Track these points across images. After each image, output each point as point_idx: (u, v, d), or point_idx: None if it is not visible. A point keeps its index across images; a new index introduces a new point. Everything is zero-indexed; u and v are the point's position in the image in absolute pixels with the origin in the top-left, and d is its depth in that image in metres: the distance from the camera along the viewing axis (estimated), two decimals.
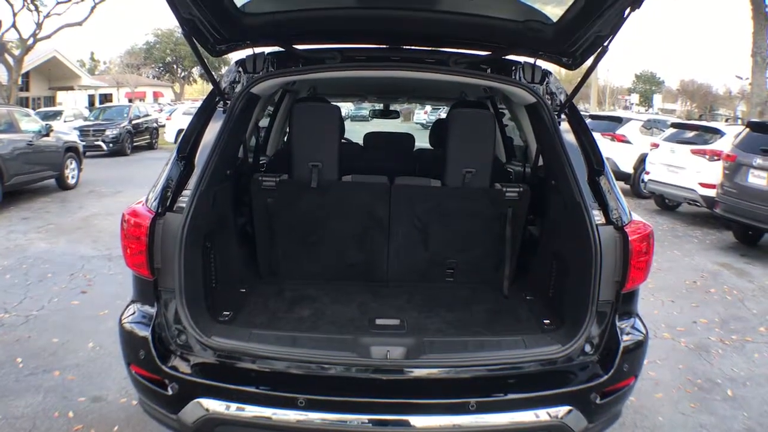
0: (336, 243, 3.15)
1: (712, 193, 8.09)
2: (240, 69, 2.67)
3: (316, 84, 4.42)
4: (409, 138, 4.73)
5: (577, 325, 2.36)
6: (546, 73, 2.72)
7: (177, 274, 2.24)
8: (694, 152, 9.03)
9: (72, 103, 26.82)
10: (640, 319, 2.50)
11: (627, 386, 2.39)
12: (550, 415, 2.19)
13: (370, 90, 5.26)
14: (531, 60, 2.71)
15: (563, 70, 3.31)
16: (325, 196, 3.05)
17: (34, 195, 9.93)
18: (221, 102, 2.59)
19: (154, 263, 2.27)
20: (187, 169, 2.42)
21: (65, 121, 18.08)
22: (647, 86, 63.92)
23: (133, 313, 2.37)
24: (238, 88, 2.62)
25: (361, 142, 4.75)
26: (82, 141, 12.38)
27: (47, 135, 10.04)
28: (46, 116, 16.60)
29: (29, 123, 10.05)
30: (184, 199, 2.35)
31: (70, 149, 10.82)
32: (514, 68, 2.71)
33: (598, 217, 2.40)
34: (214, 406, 2.12)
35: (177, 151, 2.46)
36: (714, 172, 8.20)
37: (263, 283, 3.13)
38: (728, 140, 8.53)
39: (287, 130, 4.75)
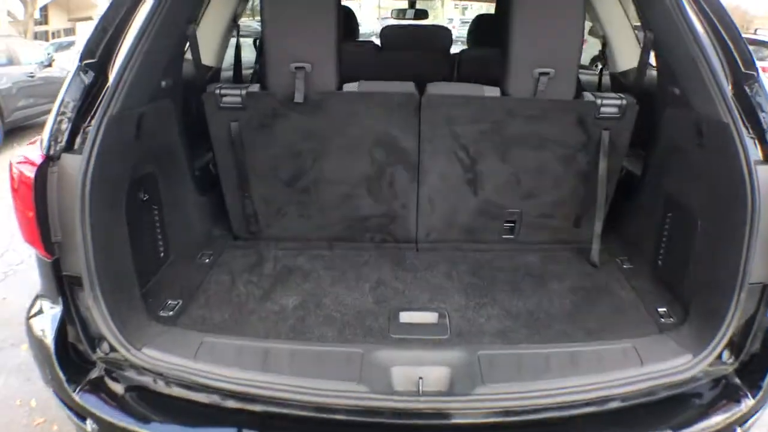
0: (338, 187, 2.25)
1: None
2: None
3: None
4: (444, 33, 3.54)
5: (713, 318, 1.54)
6: None
7: (82, 249, 1.48)
8: None
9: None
10: None
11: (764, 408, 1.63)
12: None
13: None
14: None
15: None
16: (319, 115, 2.11)
17: (40, 130, 9.34)
18: None
19: (51, 235, 1.52)
20: (97, 84, 1.62)
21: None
22: None
23: (39, 313, 1.65)
24: None
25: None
26: None
27: (50, 65, 9.31)
28: (60, 47, 15.83)
29: (30, 54, 9.29)
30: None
31: None
32: None
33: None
34: None
35: (81, 55, 1.64)
36: None
37: (235, 248, 2.30)
38: None
39: None
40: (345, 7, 3.43)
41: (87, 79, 1.62)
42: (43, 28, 27.84)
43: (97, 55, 1.65)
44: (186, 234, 2.23)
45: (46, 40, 22.51)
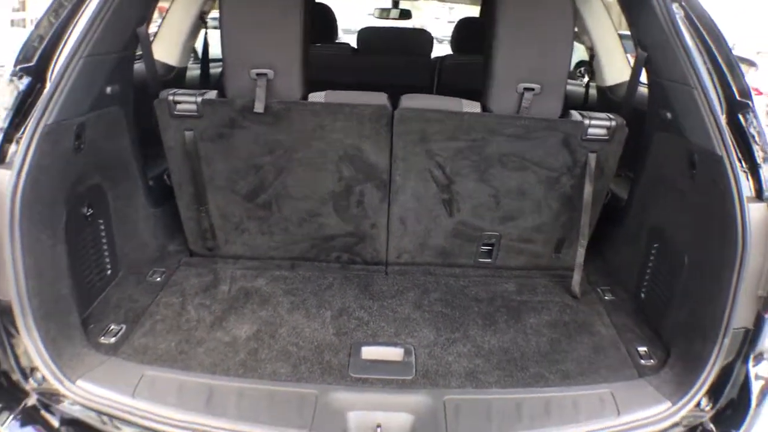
0: (302, 204, 2.11)
1: None
2: None
3: None
4: (424, 37, 3.40)
5: (694, 363, 1.49)
6: None
7: (11, 271, 1.39)
8: None
9: None
10: None
11: None
12: None
13: None
14: None
15: None
16: (281, 126, 1.96)
17: None
18: None
19: None
20: (34, 91, 1.52)
21: None
22: None
23: None
24: None
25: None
26: None
27: None
28: None
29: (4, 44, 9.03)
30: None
31: None
32: None
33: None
34: None
35: (16, 59, 1.52)
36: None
37: (190, 266, 2.16)
38: (763, 74, 7.82)
39: None
40: (321, 4, 3.28)
41: (21, 85, 1.49)
42: (20, 14, 27.23)
43: (34, 59, 1.52)
44: (137, 250, 2.10)
45: (24, 27, 21.89)
